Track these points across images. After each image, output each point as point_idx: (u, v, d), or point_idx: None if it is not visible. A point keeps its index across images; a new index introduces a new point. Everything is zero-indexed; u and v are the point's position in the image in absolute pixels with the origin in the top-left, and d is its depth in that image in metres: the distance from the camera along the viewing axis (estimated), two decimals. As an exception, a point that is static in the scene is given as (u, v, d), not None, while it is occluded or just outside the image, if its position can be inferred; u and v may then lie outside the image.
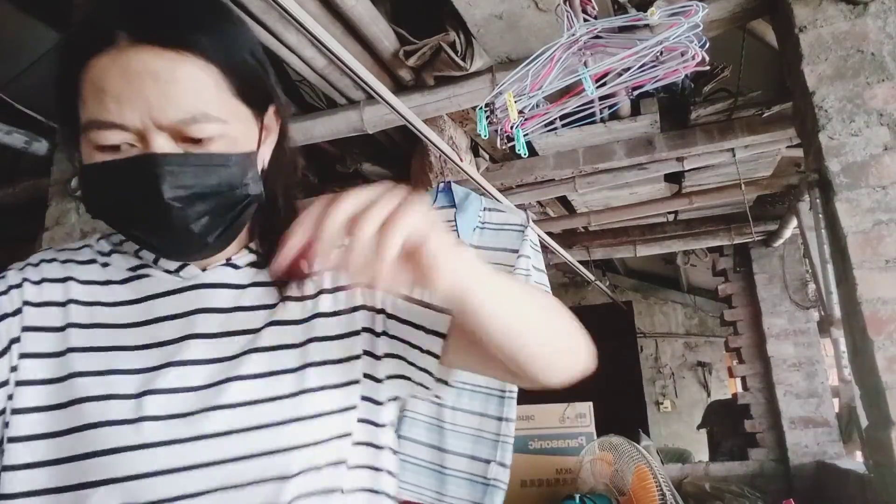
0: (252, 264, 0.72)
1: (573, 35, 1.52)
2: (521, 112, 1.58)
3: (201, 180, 0.59)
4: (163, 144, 0.58)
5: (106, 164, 0.58)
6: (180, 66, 0.57)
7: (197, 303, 0.68)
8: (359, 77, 1.69)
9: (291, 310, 0.70)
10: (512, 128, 1.56)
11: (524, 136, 1.63)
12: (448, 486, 1.80)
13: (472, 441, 1.83)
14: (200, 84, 0.59)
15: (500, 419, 1.83)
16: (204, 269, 0.70)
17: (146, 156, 0.57)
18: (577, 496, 3.17)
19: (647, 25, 1.62)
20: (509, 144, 1.68)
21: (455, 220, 1.97)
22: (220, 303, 0.68)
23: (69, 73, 0.59)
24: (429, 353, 0.68)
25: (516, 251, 1.91)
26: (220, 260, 0.70)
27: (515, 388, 1.86)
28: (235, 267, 0.71)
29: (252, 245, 0.74)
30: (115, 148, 0.58)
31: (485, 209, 2.00)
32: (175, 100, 0.57)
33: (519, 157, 3.26)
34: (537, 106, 1.70)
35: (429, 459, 1.84)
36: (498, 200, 2.14)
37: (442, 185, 2.08)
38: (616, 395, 6.31)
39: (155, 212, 0.58)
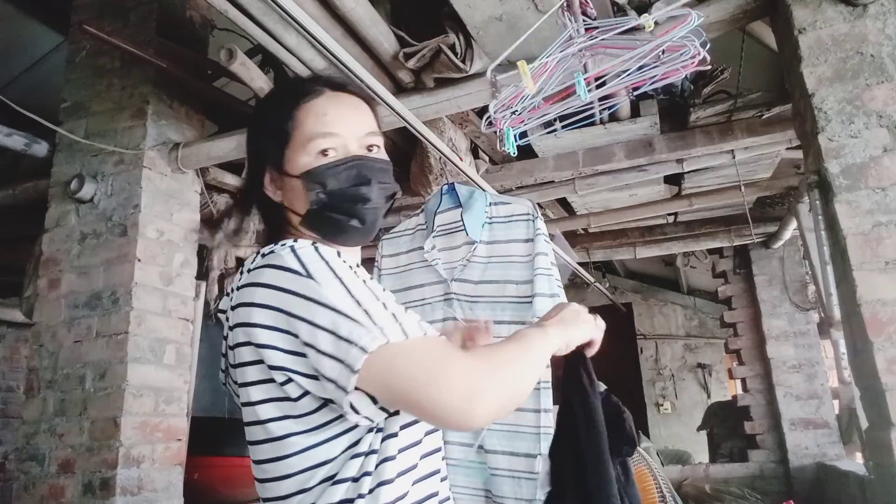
0: None
1: (572, 37, 1.52)
2: (514, 112, 1.59)
3: (383, 173, 0.93)
4: (357, 149, 0.91)
5: (339, 159, 0.89)
6: (360, 103, 0.97)
7: None
8: (358, 79, 1.70)
9: None
10: (506, 123, 1.56)
11: (517, 134, 1.63)
12: (496, 486, 1.78)
13: (510, 437, 1.81)
14: (370, 114, 0.98)
15: (537, 411, 1.80)
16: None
17: (361, 156, 0.91)
18: (577, 498, 3.16)
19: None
20: (519, 141, 1.66)
21: (462, 220, 1.96)
22: None
23: (286, 111, 0.92)
24: None
25: (528, 240, 1.90)
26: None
27: (549, 379, 1.83)
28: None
29: None
30: (325, 154, 0.89)
31: (490, 204, 1.99)
32: (363, 119, 0.95)
33: (518, 158, 3.26)
34: (536, 108, 1.70)
35: (475, 460, 1.84)
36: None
37: (446, 186, 2.07)
38: (616, 397, 6.29)
39: (360, 186, 0.90)
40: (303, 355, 0.74)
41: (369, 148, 0.93)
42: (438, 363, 0.72)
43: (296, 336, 0.75)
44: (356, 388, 0.72)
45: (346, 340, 0.71)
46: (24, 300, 2.88)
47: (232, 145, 2.55)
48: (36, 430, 2.40)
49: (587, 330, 0.98)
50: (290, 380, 0.76)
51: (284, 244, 0.82)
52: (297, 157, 0.90)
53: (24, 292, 2.91)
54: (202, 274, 2.85)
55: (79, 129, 2.69)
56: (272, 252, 0.81)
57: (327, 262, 0.79)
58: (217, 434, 2.93)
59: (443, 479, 0.89)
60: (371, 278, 0.84)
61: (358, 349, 0.70)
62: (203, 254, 2.89)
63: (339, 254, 0.83)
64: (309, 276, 0.76)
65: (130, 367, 2.31)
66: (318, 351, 0.72)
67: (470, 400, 0.70)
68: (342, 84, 0.98)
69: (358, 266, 0.89)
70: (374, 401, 0.75)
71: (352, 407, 0.73)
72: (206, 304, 2.88)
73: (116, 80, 2.69)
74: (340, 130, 0.90)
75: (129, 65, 2.66)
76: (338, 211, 0.89)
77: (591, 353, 1.02)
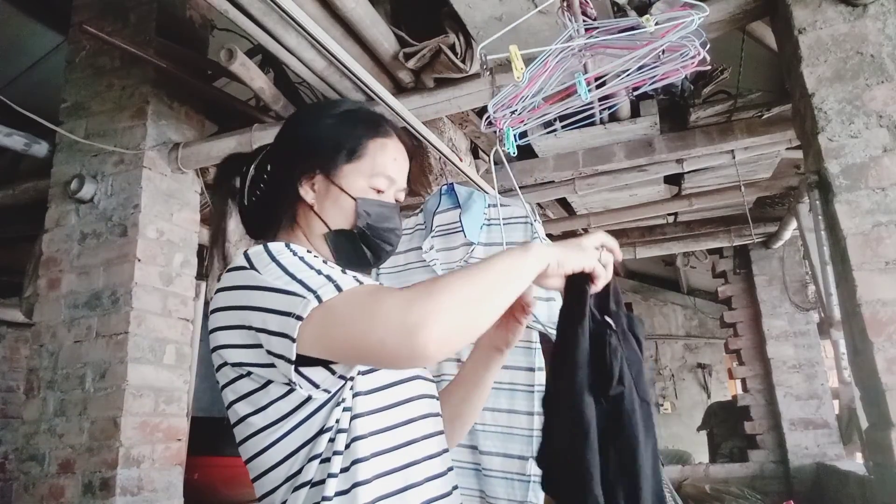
0: None
1: (570, 38, 1.52)
2: (514, 112, 1.58)
3: (401, 224, 1.02)
4: (392, 198, 0.99)
5: (387, 202, 0.98)
6: (408, 159, 1.04)
7: None
8: (358, 79, 1.70)
9: None
10: (506, 123, 1.56)
11: (516, 134, 1.63)
12: (490, 487, 1.78)
13: (504, 439, 1.81)
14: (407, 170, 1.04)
15: (531, 414, 1.80)
16: None
17: (398, 204, 1.00)
18: (577, 498, 3.16)
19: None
20: (519, 141, 1.66)
21: (460, 221, 1.95)
22: None
23: (360, 134, 0.97)
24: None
25: (525, 244, 1.90)
26: None
27: (544, 382, 1.84)
28: None
29: None
30: (378, 192, 0.96)
31: (489, 206, 1.99)
32: (406, 175, 1.02)
33: (518, 158, 3.26)
34: (536, 108, 1.70)
35: (469, 461, 1.84)
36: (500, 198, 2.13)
37: (445, 186, 2.07)
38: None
39: (392, 232, 0.98)
40: (258, 346, 0.77)
41: (396, 200, 1.01)
42: (371, 302, 0.73)
43: (249, 328, 0.78)
44: (310, 359, 0.74)
45: (287, 314, 0.74)
46: (24, 300, 2.88)
47: (232, 145, 2.55)
48: (36, 430, 2.40)
49: (587, 256, 0.86)
50: (250, 373, 0.80)
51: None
52: (353, 178, 0.94)
53: (24, 292, 2.91)
54: (202, 274, 2.85)
55: (79, 129, 2.69)
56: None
57: (269, 252, 0.82)
58: (217, 434, 2.93)
59: (436, 476, 0.87)
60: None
61: (294, 319, 0.73)
62: (203, 254, 2.89)
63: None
64: (252, 267, 0.81)
65: (130, 367, 2.31)
66: (269, 332, 0.75)
67: (409, 331, 0.68)
68: (409, 140, 1.06)
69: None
70: (332, 371, 0.77)
71: (307, 379, 0.76)
72: (206, 303, 2.88)
73: (116, 80, 2.69)
74: (397, 178, 0.99)
75: (129, 65, 2.66)
76: (367, 242, 0.95)
77: (594, 288, 0.87)
